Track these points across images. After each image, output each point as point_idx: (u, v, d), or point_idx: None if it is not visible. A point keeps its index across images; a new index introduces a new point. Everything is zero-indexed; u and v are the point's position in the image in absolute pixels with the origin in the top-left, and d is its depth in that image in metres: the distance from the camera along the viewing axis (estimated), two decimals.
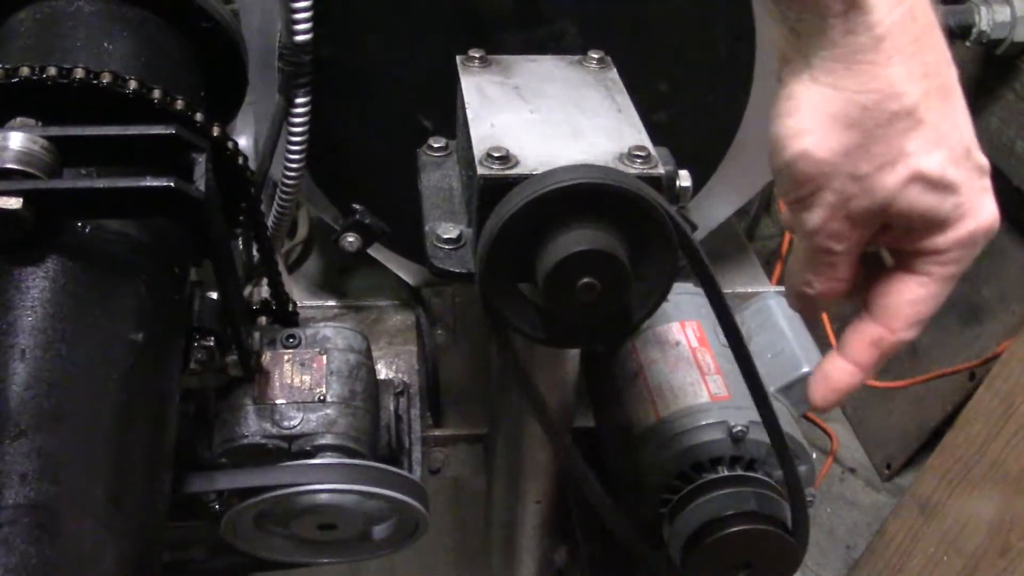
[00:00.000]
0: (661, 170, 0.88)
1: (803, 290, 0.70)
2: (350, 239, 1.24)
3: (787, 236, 1.83)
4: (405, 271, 1.35)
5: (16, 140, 0.79)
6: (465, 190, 0.99)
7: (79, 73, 0.85)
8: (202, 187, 0.81)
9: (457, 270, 0.91)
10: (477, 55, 1.05)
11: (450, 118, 1.09)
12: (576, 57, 1.07)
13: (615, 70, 1.05)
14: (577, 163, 0.85)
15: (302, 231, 1.47)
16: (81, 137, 0.82)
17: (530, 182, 0.84)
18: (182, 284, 0.93)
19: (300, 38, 1.02)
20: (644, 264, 0.86)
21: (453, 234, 0.94)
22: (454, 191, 1.02)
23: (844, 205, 0.63)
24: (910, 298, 0.67)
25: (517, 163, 0.87)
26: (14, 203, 0.76)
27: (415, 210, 1.06)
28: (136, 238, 0.86)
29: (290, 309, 1.14)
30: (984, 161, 0.65)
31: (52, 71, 0.84)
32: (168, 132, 0.82)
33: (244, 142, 1.34)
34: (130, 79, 0.86)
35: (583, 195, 0.82)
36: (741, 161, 1.29)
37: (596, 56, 1.06)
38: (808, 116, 0.62)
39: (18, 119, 0.83)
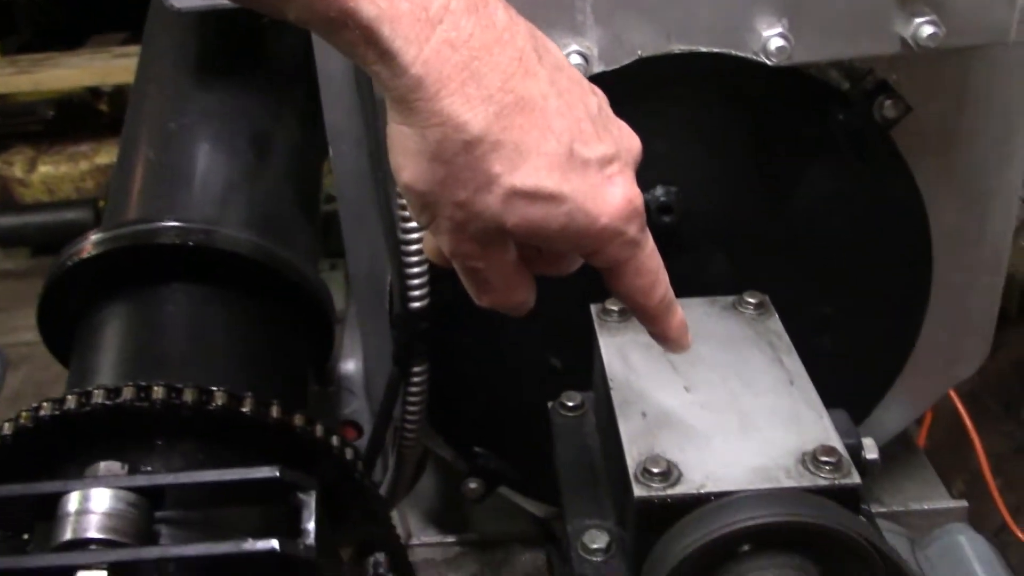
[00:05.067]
0: (856, 479, 0.73)
1: (482, 303, 0.71)
2: (472, 485, 1.11)
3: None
4: (531, 504, 1.21)
5: (101, 501, 0.68)
6: (610, 475, 0.85)
7: (189, 396, 0.74)
8: (311, 540, 0.69)
9: None
10: (615, 308, 0.91)
11: (580, 356, 0.96)
12: (729, 299, 0.93)
13: (776, 316, 0.91)
14: (758, 485, 0.71)
15: None
16: (174, 485, 0.71)
17: (707, 515, 0.69)
18: None
19: (416, 305, 0.90)
20: None
21: (601, 543, 0.80)
22: (596, 468, 0.88)
23: (462, 229, 0.64)
24: (625, 288, 0.69)
25: (680, 478, 0.73)
26: None
27: (540, 450, 0.93)
28: None
29: None
30: (603, 150, 0.65)
31: (159, 393, 0.74)
32: (271, 476, 0.70)
33: (352, 366, 1.23)
34: (245, 398, 0.76)
35: (774, 533, 0.68)
36: (917, 375, 1.13)
37: (753, 301, 0.92)
38: (399, 152, 0.63)
39: (102, 465, 0.72)
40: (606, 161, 0.65)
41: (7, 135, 3.79)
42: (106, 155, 3.59)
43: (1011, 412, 2.37)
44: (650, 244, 0.68)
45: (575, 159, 0.63)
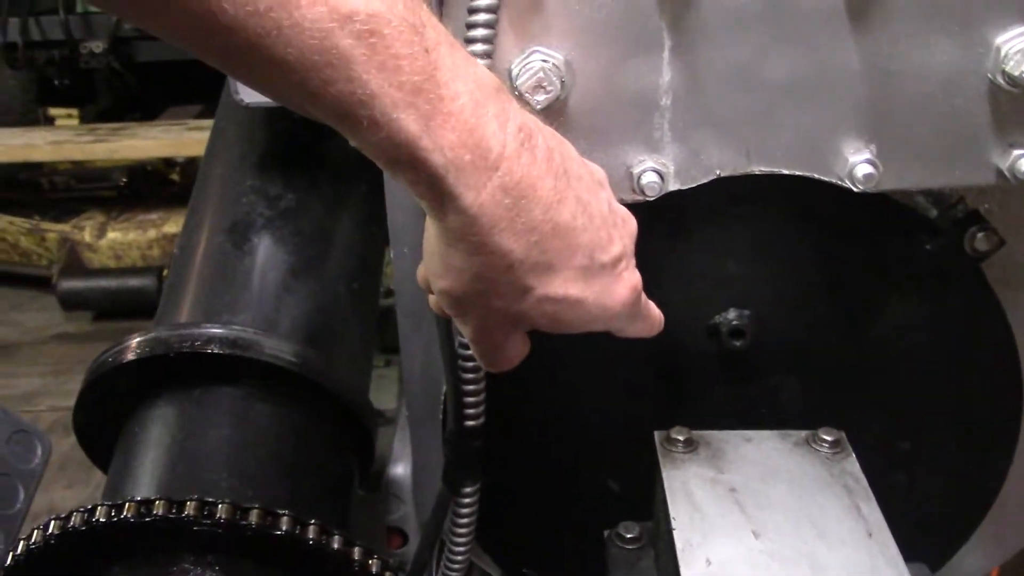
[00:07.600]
0: None
1: (489, 369, 0.76)
2: None
3: None
4: None
5: None
6: None
7: (223, 512, 0.70)
8: None
9: None
10: (681, 437, 0.86)
11: (640, 478, 0.90)
12: (803, 435, 0.87)
13: (853, 457, 0.85)
14: None
15: None
16: None
17: None
18: None
19: (471, 423, 0.86)
20: None
21: None
22: None
23: (487, 325, 0.71)
24: (627, 334, 0.78)
25: None
26: None
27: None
28: None
29: None
30: (616, 251, 0.71)
31: (191, 508, 0.71)
32: None
33: (401, 470, 1.19)
34: (283, 515, 0.72)
35: None
36: (1001, 521, 1.05)
37: (829, 438, 0.86)
38: (440, 264, 0.68)
39: None
40: (617, 260, 0.72)
41: (80, 199, 3.87)
42: (174, 224, 3.64)
43: None
44: (641, 294, 0.75)
45: (594, 266, 0.70)
